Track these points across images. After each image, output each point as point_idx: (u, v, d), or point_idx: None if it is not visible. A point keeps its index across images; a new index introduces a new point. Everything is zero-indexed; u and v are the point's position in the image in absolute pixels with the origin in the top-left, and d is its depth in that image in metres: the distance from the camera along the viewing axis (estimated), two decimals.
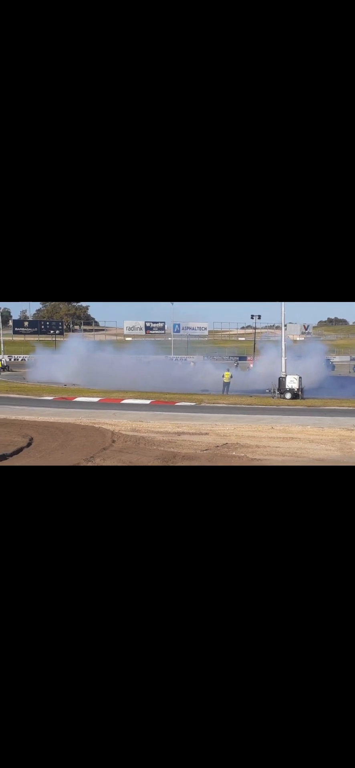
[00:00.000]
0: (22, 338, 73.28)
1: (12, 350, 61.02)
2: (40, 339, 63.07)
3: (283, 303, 28.74)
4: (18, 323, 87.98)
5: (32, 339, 66.62)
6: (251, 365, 42.72)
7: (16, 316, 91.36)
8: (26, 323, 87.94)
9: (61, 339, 49.28)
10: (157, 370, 37.20)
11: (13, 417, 19.09)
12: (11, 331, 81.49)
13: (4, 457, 12.61)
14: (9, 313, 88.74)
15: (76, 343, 45.08)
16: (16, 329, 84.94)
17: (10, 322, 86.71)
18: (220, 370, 34.25)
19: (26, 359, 51.76)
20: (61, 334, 55.12)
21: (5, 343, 65.16)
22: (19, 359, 55.88)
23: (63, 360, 38.38)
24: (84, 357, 38.03)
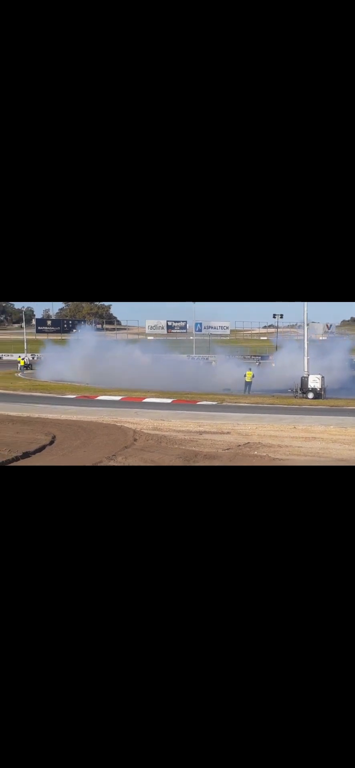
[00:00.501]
0: (46, 336, 74.04)
1: (34, 349, 61.61)
2: (63, 337, 63.49)
3: (305, 302, 28.55)
4: (41, 322, 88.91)
5: (55, 338, 67.08)
6: (273, 364, 42.26)
7: (39, 315, 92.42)
8: (49, 322, 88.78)
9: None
10: (172, 369, 35.83)
11: (36, 415, 19.26)
12: (34, 330, 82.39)
13: (27, 455, 12.74)
14: (32, 312, 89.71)
15: (88, 336, 43.23)
16: (39, 328, 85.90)
17: (34, 321, 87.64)
18: (241, 369, 34.01)
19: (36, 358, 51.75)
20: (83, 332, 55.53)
21: (29, 341, 65.76)
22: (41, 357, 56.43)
23: (71, 357, 37.05)
24: (92, 354, 37.03)
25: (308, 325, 30.01)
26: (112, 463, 12.27)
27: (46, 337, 71.39)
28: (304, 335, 30.01)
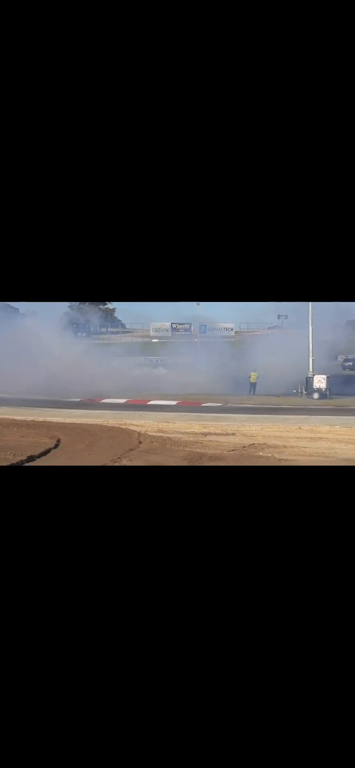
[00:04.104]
0: None
1: None
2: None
3: (310, 303, 28.50)
4: None
5: None
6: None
7: None
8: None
9: (89, 341, 49.29)
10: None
11: (41, 419, 19.26)
12: None
13: (31, 458, 12.72)
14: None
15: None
16: None
17: None
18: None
19: None
20: (88, 336, 55.57)
21: None
22: None
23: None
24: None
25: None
26: (117, 465, 12.24)
27: None
28: (309, 336, 29.95)
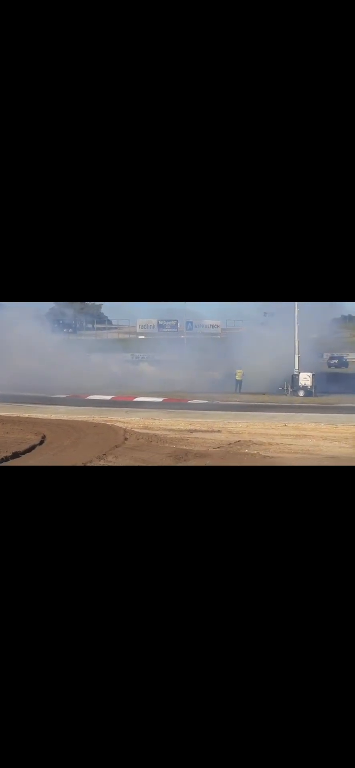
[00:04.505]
0: None
1: None
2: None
3: (296, 302, 28.59)
4: None
5: None
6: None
7: None
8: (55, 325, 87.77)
9: (74, 338, 48.97)
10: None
11: (27, 415, 19.16)
12: None
13: (16, 455, 12.65)
14: None
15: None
16: None
17: None
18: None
19: None
20: (74, 332, 55.28)
21: None
22: None
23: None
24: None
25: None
26: (102, 463, 12.21)
27: None
28: (295, 334, 30.05)
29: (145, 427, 16.90)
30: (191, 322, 51.85)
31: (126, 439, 14.92)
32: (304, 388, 27.79)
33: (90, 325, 62.75)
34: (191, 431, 16.44)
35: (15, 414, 19.21)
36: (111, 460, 12.54)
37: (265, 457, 13.08)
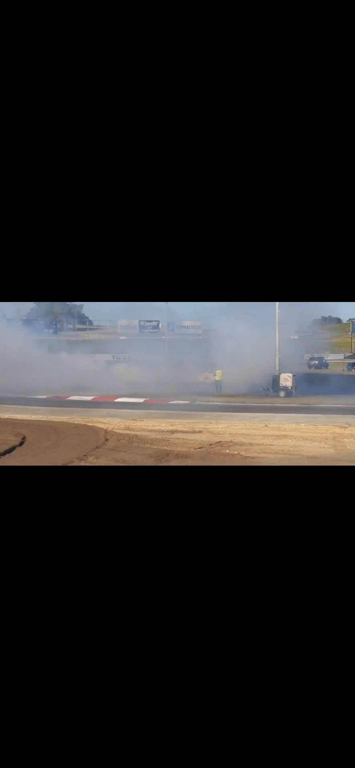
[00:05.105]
0: None
1: None
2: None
3: (277, 302, 28.74)
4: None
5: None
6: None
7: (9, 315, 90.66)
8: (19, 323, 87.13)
9: (55, 338, 48.66)
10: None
11: (6, 416, 18.99)
12: None
13: None
14: None
15: None
16: None
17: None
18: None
19: None
20: (55, 333, 55.01)
21: None
22: None
23: None
24: None
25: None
26: (83, 464, 12.15)
27: None
28: (276, 334, 30.22)
29: (127, 428, 16.86)
30: (172, 323, 51.88)
31: (107, 440, 14.87)
32: (284, 388, 27.96)
33: (71, 326, 62.47)
34: (172, 432, 16.44)
35: None
36: (92, 461, 12.49)
37: (246, 457, 13.13)
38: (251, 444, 14.71)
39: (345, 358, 55.52)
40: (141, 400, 24.78)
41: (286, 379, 28.31)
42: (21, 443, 14.20)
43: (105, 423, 17.47)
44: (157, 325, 55.83)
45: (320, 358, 46.97)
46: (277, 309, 29.98)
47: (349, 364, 49.16)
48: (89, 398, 25.51)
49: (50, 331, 53.50)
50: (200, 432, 16.49)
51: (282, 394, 27.66)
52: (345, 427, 17.29)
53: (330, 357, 52.09)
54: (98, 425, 16.94)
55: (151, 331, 55.53)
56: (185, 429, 16.90)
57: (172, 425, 17.51)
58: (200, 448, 14.15)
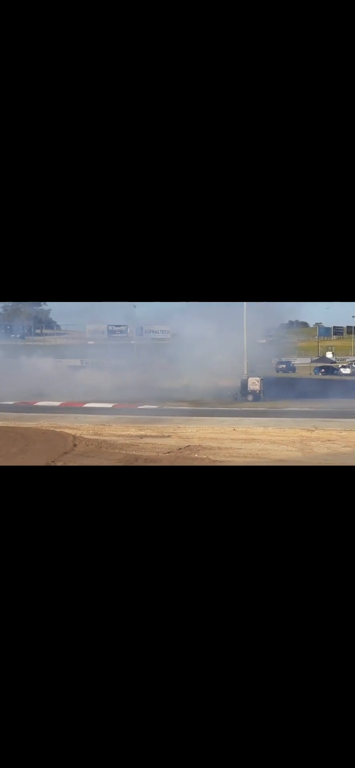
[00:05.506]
0: None
1: None
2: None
3: (244, 304, 28.93)
4: None
5: None
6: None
7: None
8: None
9: (22, 343, 48.04)
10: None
11: None
12: None
13: None
14: None
15: None
16: None
17: None
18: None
19: None
20: (22, 338, 54.39)
21: None
22: None
23: None
24: None
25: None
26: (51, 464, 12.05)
27: None
28: (244, 338, 30.41)
29: (95, 433, 16.79)
30: (141, 328, 51.81)
31: (75, 445, 14.79)
32: (253, 392, 28.18)
33: (38, 331, 61.90)
34: (141, 437, 16.43)
35: None
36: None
37: (214, 461, 13.19)
38: (219, 448, 14.79)
39: (312, 361, 56.27)
40: (110, 405, 24.67)
41: (254, 383, 28.52)
42: None
43: (73, 429, 17.36)
44: (126, 329, 55.69)
45: (288, 362, 47.44)
46: (245, 313, 30.20)
47: (316, 368, 49.83)
48: (57, 404, 25.28)
49: (17, 336, 52.89)
50: (169, 436, 16.52)
51: (250, 398, 27.86)
52: (312, 431, 17.52)
53: (297, 361, 52.67)
54: (67, 431, 16.82)
55: (119, 335, 55.36)
56: (154, 434, 16.90)
57: (141, 430, 17.50)
58: (169, 452, 14.18)
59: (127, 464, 12.79)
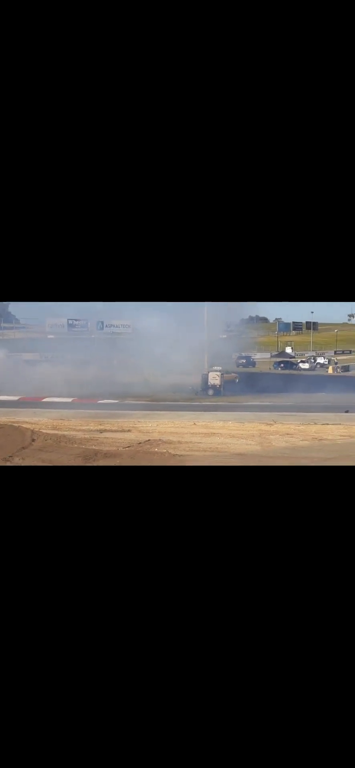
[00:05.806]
0: None
1: None
2: None
3: (205, 303, 29.04)
4: None
5: None
6: None
7: None
8: None
9: None
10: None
11: None
12: None
13: None
14: None
15: None
16: None
17: None
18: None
19: None
20: None
21: None
22: None
23: None
24: None
25: None
26: (8, 464, 11.87)
27: None
28: (205, 334, 30.57)
29: (54, 428, 16.61)
30: (102, 322, 51.46)
31: (34, 440, 14.61)
32: (213, 387, 28.35)
33: None
34: (101, 431, 16.33)
35: None
36: (18, 462, 12.21)
37: (174, 455, 13.21)
38: (179, 442, 14.81)
39: (272, 356, 56.90)
40: (69, 400, 24.45)
41: (214, 378, 28.69)
42: None
43: (32, 423, 17.13)
44: (86, 323, 55.26)
45: (248, 357, 47.86)
46: (205, 310, 30.34)
47: (275, 363, 50.42)
48: (16, 398, 24.92)
49: None
50: (129, 431, 16.47)
51: (211, 392, 28.02)
52: (271, 424, 17.73)
53: (258, 356, 53.19)
54: (25, 425, 16.59)
55: (79, 330, 54.90)
56: (113, 428, 16.83)
57: (101, 424, 17.39)
58: (128, 446, 14.12)
59: (87, 458, 12.70)
